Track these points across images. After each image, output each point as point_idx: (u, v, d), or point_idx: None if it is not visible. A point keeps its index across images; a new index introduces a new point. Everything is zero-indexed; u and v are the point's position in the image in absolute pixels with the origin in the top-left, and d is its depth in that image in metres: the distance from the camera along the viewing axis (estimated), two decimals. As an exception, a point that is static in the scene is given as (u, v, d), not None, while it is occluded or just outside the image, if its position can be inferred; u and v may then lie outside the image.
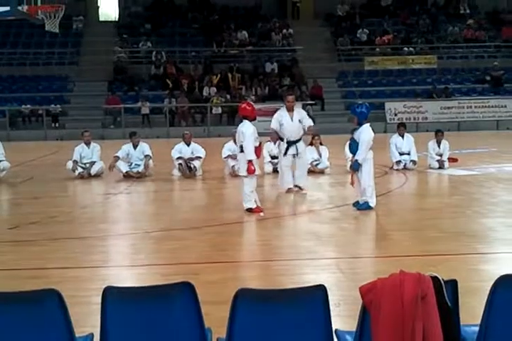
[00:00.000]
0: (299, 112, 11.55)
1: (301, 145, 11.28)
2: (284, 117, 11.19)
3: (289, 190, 11.27)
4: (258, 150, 9.43)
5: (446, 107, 26.36)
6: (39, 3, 18.19)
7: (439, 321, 3.27)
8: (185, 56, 29.82)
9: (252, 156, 9.21)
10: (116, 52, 29.03)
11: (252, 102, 10.70)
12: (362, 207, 9.42)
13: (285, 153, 11.16)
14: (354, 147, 9.51)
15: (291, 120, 11.13)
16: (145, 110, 26.09)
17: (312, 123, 11.47)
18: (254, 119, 9.59)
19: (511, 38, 30.85)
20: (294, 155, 11.19)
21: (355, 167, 9.50)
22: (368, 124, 9.58)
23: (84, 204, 10.78)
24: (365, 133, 9.42)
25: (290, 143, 11.13)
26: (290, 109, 11.24)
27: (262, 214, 9.13)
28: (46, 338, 3.39)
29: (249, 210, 9.27)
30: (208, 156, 13.54)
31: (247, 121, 9.48)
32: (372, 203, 9.46)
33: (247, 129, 9.30)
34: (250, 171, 9.18)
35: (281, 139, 11.27)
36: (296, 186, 11.33)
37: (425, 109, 26.17)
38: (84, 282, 6.12)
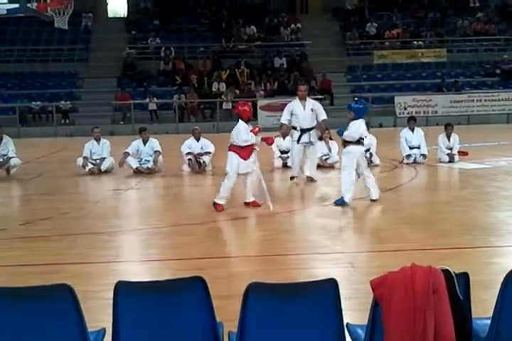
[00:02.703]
0: (312, 102, 11.74)
1: (313, 133, 11.46)
2: (296, 106, 11.53)
3: (292, 178, 11.64)
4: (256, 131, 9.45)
5: (456, 101, 26.26)
6: (48, 1, 18.23)
7: (451, 314, 3.26)
8: (194, 52, 29.82)
9: (252, 139, 9.26)
10: (125, 48, 29.07)
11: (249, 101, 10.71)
12: (338, 202, 9.43)
13: (298, 141, 11.47)
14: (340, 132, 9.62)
15: (304, 108, 11.45)
16: (152, 106, 26.12)
17: (325, 117, 11.64)
18: (249, 120, 9.54)
19: (521, 30, 30.72)
20: (306, 144, 11.45)
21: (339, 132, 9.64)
22: (362, 120, 9.58)
23: (95, 200, 10.81)
24: (355, 125, 9.46)
25: (303, 131, 11.42)
26: (302, 98, 11.59)
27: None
28: (59, 333, 3.41)
29: (215, 205, 9.21)
30: (218, 152, 13.53)
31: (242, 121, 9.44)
32: (348, 199, 9.41)
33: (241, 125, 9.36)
34: (255, 131, 9.35)
35: (295, 128, 11.57)
36: (308, 177, 11.58)
37: (435, 103, 26.08)
38: (96, 277, 6.15)
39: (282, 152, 13.98)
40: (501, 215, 8.64)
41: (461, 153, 14.32)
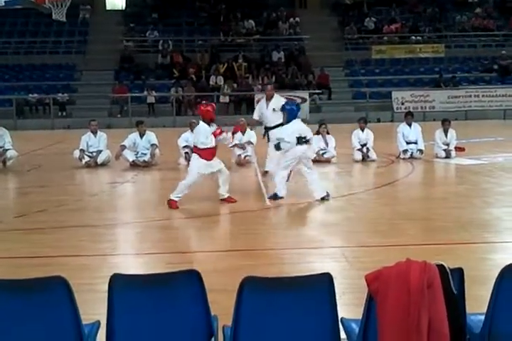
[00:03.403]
0: (277, 102, 11.72)
1: (273, 132, 11.45)
2: (262, 105, 12.01)
3: (265, 173, 11.65)
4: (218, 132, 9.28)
5: (454, 96, 26.25)
6: (46, -8, 18.16)
7: (445, 309, 3.27)
8: (192, 45, 29.77)
9: (212, 142, 9.14)
10: (123, 41, 29.01)
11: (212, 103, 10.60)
12: (270, 197, 9.41)
13: (263, 136, 11.82)
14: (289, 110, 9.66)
15: (267, 108, 11.76)
16: (151, 99, 26.08)
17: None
18: (212, 121, 9.35)
19: (519, 26, 30.71)
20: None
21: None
22: (296, 121, 9.59)
23: (91, 193, 10.80)
24: (287, 131, 9.46)
25: (266, 129, 11.67)
26: (268, 98, 11.91)
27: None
28: (53, 325, 3.41)
29: (169, 202, 9.11)
30: (215, 145, 13.49)
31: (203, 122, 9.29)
32: (280, 193, 9.44)
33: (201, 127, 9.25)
34: (217, 133, 9.16)
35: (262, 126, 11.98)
36: (265, 171, 11.71)
37: (432, 98, 26.07)
38: (92, 270, 6.15)
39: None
40: (497, 211, 8.65)
41: (458, 149, 14.32)
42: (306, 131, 9.57)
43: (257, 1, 32.21)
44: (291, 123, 9.51)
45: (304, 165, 9.53)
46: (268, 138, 11.57)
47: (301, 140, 9.37)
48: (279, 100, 11.87)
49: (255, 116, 12.15)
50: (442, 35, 30.63)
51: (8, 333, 3.39)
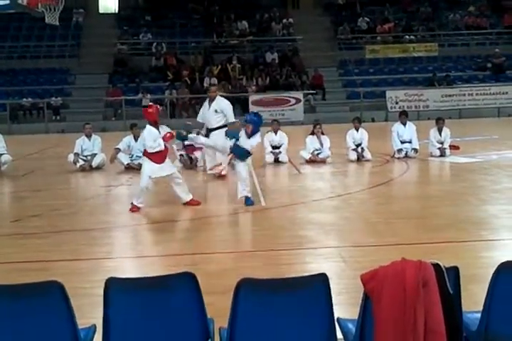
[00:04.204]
0: (220, 104, 11.88)
1: (214, 134, 11.53)
2: (204, 106, 12.08)
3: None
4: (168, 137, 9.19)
5: (448, 95, 26.28)
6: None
7: (441, 308, 3.27)
8: (185, 47, 29.74)
9: (160, 145, 9.04)
10: (116, 44, 28.99)
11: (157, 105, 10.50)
12: (248, 202, 9.25)
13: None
14: (238, 151, 9.33)
15: (208, 109, 11.82)
16: (146, 102, 26.01)
17: (232, 120, 11.60)
18: (156, 123, 9.25)
19: (512, 24, 30.74)
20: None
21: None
22: (259, 133, 9.53)
23: (86, 197, 10.77)
24: (255, 140, 9.39)
25: (208, 131, 11.72)
26: (210, 99, 11.98)
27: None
28: (49, 330, 3.40)
29: (132, 208, 9.04)
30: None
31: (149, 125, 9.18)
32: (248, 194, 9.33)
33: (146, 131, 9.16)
34: (166, 137, 9.08)
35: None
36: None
37: (426, 97, 26.10)
38: (87, 274, 6.13)
39: (274, 147, 13.99)
40: (492, 209, 8.66)
41: (453, 147, 14.34)
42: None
43: (249, 2, 32.20)
44: (258, 134, 9.42)
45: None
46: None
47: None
48: (221, 102, 11.94)
49: (199, 118, 12.16)
50: (436, 34, 30.65)
51: (4, 338, 3.38)
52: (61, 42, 29.10)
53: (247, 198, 9.23)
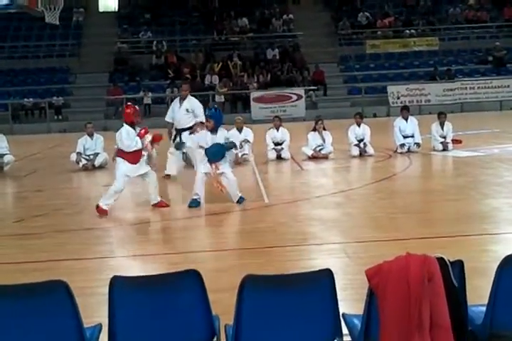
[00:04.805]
0: (191, 103, 11.65)
1: (184, 135, 11.40)
2: (174, 105, 11.69)
3: (166, 177, 11.63)
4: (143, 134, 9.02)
5: (449, 89, 26.25)
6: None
7: (446, 302, 3.27)
8: (186, 45, 29.74)
9: (137, 144, 8.93)
10: (117, 43, 28.98)
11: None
12: (240, 201, 9.15)
13: (173, 140, 11.65)
14: (210, 151, 9.11)
15: (179, 108, 11.51)
16: (147, 100, 26.07)
17: (201, 120, 11.41)
18: (133, 123, 9.08)
19: (513, 17, 30.69)
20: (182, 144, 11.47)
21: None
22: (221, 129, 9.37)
23: (89, 196, 10.77)
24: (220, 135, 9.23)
25: (178, 131, 11.55)
26: (182, 98, 11.68)
27: None
28: (55, 329, 3.41)
29: (97, 209, 8.82)
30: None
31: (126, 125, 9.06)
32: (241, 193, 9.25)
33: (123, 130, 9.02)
34: (142, 133, 8.93)
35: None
36: (166, 175, 11.66)
37: (428, 92, 26.08)
38: (92, 273, 6.14)
39: (276, 144, 13.98)
40: (495, 202, 8.65)
41: (455, 141, 14.33)
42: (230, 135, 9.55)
43: (249, -1, 32.18)
44: (220, 131, 9.28)
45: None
46: (180, 140, 11.39)
47: (231, 145, 9.30)
48: (193, 101, 11.68)
49: (168, 118, 11.84)
50: (436, 28, 30.61)
51: (10, 338, 3.38)
52: (61, 41, 29.13)
53: (240, 198, 9.17)
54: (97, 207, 8.85)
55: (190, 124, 11.48)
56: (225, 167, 9.15)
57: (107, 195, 8.94)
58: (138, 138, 8.94)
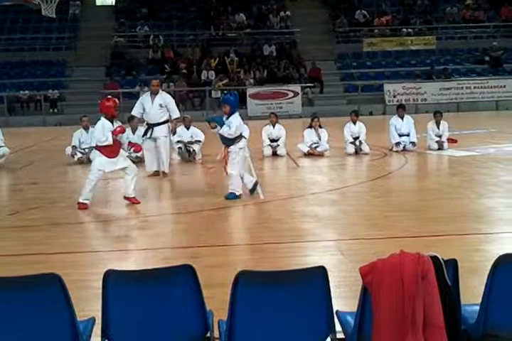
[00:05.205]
0: (164, 98, 11.61)
1: (159, 129, 11.36)
2: (145, 100, 11.55)
3: (153, 173, 11.59)
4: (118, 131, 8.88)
5: (445, 88, 26.29)
6: (35, -12, 18.07)
7: (440, 301, 3.27)
8: (182, 40, 29.68)
9: (108, 140, 8.78)
10: (113, 36, 28.91)
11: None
12: (229, 197, 9.15)
13: (143, 136, 11.56)
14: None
15: (152, 103, 11.41)
16: (143, 94, 25.97)
17: (177, 116, 11.55)
18: (113, 117, 9.02)
19: (510, 17, 30.70)
20: (154, 140, 11.39)
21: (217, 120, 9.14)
22: (237, 113, 9.25)
23: (84, 190, 10.75)
24: (236, 121, 9.07)
25: (149, 126, 11.47)
26: (153, 93, 11.56)
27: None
28: (48, 322, 3.41)
29: (80, 204, 8.81)
30: (207, 140, 13.50)
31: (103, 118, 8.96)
32: (238, 192, 9.19)
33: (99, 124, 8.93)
34: (116, 131, 8.79)
35: (144, 123, 11.71)
36: (162, 172, 11.55)
37: (424, 90, 26.11)
38: (85, 266, 6.13)
39: (272, 140, 13.98)
40: (490, 202, 8.67)
41: (451, 141, 14.36)
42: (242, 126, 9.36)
43: (247, -6, 32.14)
44: (236, 116, 9.13)
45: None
46: (150, 136, 11.34)
47: (240, 136, 9.17)
48: (165, 96, 11.65)
49: (134, 112, 11.76)
50: (433, 27, 30.64)
51: (3, 330, 3.38)
52: (58, 34, 29.05)
53: (232, 193, 9.16)
54: (78, 202, 8.86)
55: (164, 119, 11.45)
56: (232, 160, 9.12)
57: (83, 190, 8.90)
58: (110, 133, 8.78)
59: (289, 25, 30.54)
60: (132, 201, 9.12)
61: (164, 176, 11.57)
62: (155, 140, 11.46)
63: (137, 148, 9.72)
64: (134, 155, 13.37)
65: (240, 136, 9.19)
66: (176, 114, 11.59)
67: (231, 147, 9.09)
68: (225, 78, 26.75)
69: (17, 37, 28.98)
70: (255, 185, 9.34)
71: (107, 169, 8.99)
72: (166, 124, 11.55)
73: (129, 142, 9.39)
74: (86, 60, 27.85)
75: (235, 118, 9.08)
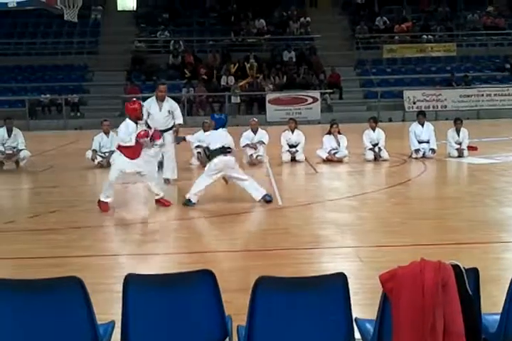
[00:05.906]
0: (170, 103, 11.47)
1: (167, 135, 11.25)
2: (152, 106, 11.23)
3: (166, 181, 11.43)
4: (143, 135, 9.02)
5: (466, 95, 26.14)
6: (58, -7, 18.22)
7: (460, 309, 3.25)
8: (203, 45, 29.79)
9: (131, 141, 8.91)
10: (134, 41, 29.09)
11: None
12: (187, 202, 9.20)
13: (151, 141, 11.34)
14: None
15: (160, 110, 11.19)
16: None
17: (181, 122, 11.44)
18: (138, 119, 9.14)
19: (532, 25, 30.53)
20: (160, 146, 11.24)
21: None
22: (222, 130, 9.46)
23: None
24: (214, 136, 9.36)
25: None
26: (160, 99, 11.28)
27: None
28: (68, 325, 3.43)
29: (99, 204, 8.98)
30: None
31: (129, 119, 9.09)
32: (194, 199, 9.23)
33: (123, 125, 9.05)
34: (140, 134, 8.92)
35: (150, 128, 11.26)
36: (165, 179, 11.37)
37: (444, 97, 25.97)
38: (106, 270, 6.16)
39: (291, 146, 13.97)
40: (511, 211, 8.60)
41: (471, 148, 14.27)
42: (230, 141, 9.40)
43: (267, 1, 32.17)
44: (217, 132, 9.41)
45: (230, 175, 9.40)
46: (155, 144, 11.19)
47: (225, 150, 9.23)
48: (172, 103, 11.48)
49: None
50: (454, 34, 30.51)
51: (24, 333, 3.40)
52: (79, 39, 29.25)
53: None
54: (98, 201, 8.99)
55: (171, 125, 11.33)
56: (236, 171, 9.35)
57: (103, 189, 9.07)
58: (134, 135, 8.90)
59: (309, 31, 30.53)
60: (163, 202, 9.17)
61: (166, 183, 11.37)
62: (160, 146, 11.42)
63: (156, 135, 9.56)
64: (158, 143, 13.32)
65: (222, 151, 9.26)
66: (180, 120, 11.45)
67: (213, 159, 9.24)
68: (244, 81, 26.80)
69: (39, 41, 29.23)
70: (265, 196, 9.31)
71: (127, 169, 9.06)
72: (172, 130, 11.51)
73: (145, 131, 9.29)
74: (107, 65, 28.01)
75: (213, 134, 9.42)
